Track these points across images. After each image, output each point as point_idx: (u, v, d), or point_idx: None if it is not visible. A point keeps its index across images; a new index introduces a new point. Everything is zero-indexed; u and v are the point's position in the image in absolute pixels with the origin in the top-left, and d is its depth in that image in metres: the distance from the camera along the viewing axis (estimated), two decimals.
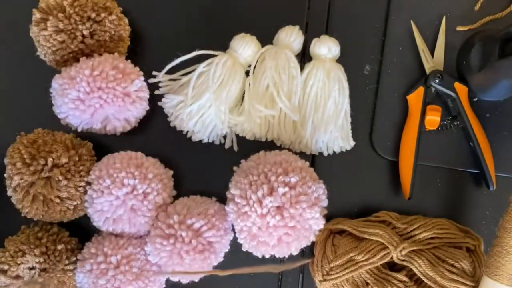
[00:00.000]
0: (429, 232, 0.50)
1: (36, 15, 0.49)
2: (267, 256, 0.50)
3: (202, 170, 0.55)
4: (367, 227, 0.50)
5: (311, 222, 0.48)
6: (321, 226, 0.50)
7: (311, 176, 0.49)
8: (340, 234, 0.52)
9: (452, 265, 0.48)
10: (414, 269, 0.48)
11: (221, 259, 0.51)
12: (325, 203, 0.50)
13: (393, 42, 0.55)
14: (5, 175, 0.49)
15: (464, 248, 0.50)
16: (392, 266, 0.51)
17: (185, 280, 0.50)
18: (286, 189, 0.46)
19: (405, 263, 0.49)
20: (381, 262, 0.49)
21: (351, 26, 0.56)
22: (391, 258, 0.49)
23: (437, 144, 0.54)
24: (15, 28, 0.55)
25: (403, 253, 0.49)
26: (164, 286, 0.52)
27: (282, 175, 0.47)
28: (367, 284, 0.50)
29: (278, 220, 0.46)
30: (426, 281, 0.48)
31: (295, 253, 0.50)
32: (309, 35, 0.55)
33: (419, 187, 0.53)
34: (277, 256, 0.50)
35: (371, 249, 0.49)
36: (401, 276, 0.49)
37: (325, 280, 0.50)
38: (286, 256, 0.51)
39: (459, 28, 0.55)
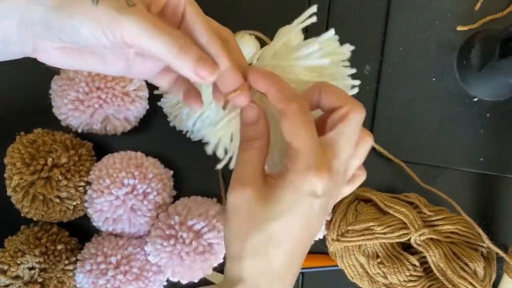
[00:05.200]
0: (452, 226, 0.50)
1: None
2: None
3: (202, 170, 0.55)
4: (394, 203, 0.50)
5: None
6: (320, 237, 0.51)
7: None
8: (365, 203, 0.53)
9: (466, 264, 0.49)
10: (428, 256, 0.48)
11: (221, 261, 0.51)
12: (329, 217, 0.52)
13: (393, 42, 0.55)
14: (5, 175, 0.49)
15: (479, 251, 0.51)
16: (405, 249, 0.52)
17: (184, 280, 0.50)
18: None
19: (420, 248, 0.49)
20: (398, 240, 0.49)
21: (351, 26, 0.56)
22: (409, 239, 0.50)
23: None
24: None
25: (422, 238, 0.49)
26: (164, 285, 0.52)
27: None
28: (378, 256, 0.50)
29: None
30: (435, 271, 0.48)
31: None
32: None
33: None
34: None
35: (392, 225, 0.50)
36: (413, 259, 0.49)
37: (338, 240, 0.50)
38: None
39: (459, 28, 0.55)
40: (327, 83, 0.35)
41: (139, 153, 0.52)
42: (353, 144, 0.33)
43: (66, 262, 0.49)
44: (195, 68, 0.32)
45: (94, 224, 0.51)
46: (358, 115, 0.33)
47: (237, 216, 0.33)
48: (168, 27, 0.32)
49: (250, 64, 0.54)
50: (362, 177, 0.39)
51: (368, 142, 0.36)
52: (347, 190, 0.38)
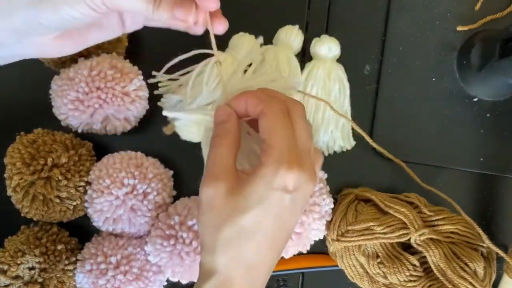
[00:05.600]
0: (452, 226, 0.50)
1: None
2: None
3: (202, 170, 0.54)
4: (394, 203, 0.50)
5: (314, 233, 0.49)
6: (320, 237, 0.51)
7: (326, 189, 0.51)
8: (365, 203, 0.53)
9: (466, 264, 0.49)
10: (428, 257, 0.48)
11: None
12: (329, 218, 0.51)
13: (393, 42, 0.55)
14: (5, 175, 0.49)
15: (479, 251, 0.51)
16: (405, 249, 0.52)
17: (184, 280, 0.50)
18: None
19: (420, 248, 0.49)
20: (398, 240, 0.49)
21: (351, 26, 0.56)
22: (409, 239, 0.50)
23: None
24: None
25: (422, 238, 0.49)
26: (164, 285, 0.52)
27: None
28: (377, 256, 0.50)
29: None
30: (435, 271, 0.48)
31: (286, 257, 0.50)
32: (309, 35, 0.55)
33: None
34: None
35: (392, 225, 0.50)
36: (413, 259, 0.49)
37: (338, 240, 0.50)
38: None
39: (459, 28, 0.55)
40: (250, 91, 0.37)
41: (139, 153, 0.52)
42: (286, 128, 0.34)
43: (66, 262, 0.49)
44: (172, 12, 0.35)
45: (94, 224, 0.51)
46: (271, 106, 0.34)
47: (210, 210, 0.34)
48: None
49: (250, 64, 0.54)
50: (318, 152, 0.39)
51: (297, 106, 0.36)
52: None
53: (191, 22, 0.37)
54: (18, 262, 0.47)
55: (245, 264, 0.34)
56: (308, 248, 0.51)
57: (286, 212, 0.33)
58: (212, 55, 0.42)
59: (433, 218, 0.50)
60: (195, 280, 0.51)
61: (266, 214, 0.33)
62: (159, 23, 0.41)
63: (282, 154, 0.33)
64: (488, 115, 0.55)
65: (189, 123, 0.50)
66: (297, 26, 0.54)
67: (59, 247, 0.49)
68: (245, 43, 0.53)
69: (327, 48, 0.53)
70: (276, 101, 0.35)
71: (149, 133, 0.55)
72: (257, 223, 0.33)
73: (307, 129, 0.35)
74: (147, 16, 0.35)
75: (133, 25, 0.41)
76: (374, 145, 0.52)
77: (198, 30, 0.40)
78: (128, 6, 0.35)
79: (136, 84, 0.50)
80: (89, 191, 0.49)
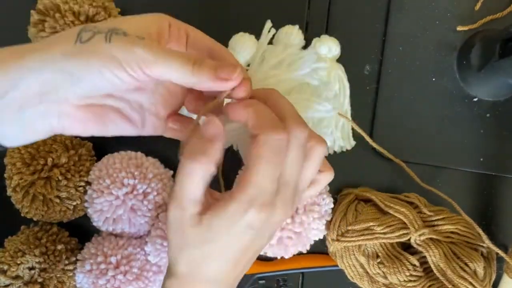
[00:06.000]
0: (452, 226, 0.50)
1: (34, 16, 0.49)
2: (261, 253, 0.50)
3: None
4: (394, 203, 0.50)
5: (314, 233, 0.49)
6: (320, 237, 0.51)
7: (326, 188, 0.51)
8: (365, 203, 0.53)
9: (466, 264, 0.48)
10: (428, 257, 0.48)
11: None
12: (329, 218, 0.51)
13: (393, 42, 0.55)
14: (5, 175, 0.49)
15: (479, 251, 0.51)
16: (405, 249, 0.52)
17: None
18: None
19: (420, 248, 0.49)
20: (398, 240, 0.49)
21: (351, 26, 0.56)
22: (409, 239, 0.50)
23: None
24: (13, 29, 0.55)
25: (422, 238, 0.49)
26: None
27: None
28: (377, 256, 0.50)
29: (288, 222, 0.47)
30: (435, 271, 0.48)
31: (286, 257, 0.50)
32: (309, 35, 0.55)
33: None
34: (269, 255, 0.51)
35: (392, 225, 0.50)
36: (413, 259, 0.49)
37: (338, 240, 0.50)
38: (278, 257, 0.51)
39: (459, 28, 0.55)
40: (257, 104, 0.34)
41: (139, 153, 0.52)
42: (273, 167, 0.32)
43: (66, 262, 0.49)
44: (215, 73, 0.32)
45: (94, 224, 0.50)
46: (269, 137, 0.32)
47: (174, 231, 0.34)
48: (177, 50, 0.34)
49: (249, 64, 0.54)
50: (323, 180, 0.39)
51: (318, 150, 0.35)
52: (308, 194, 0.39)
53: (234, 81, 0.33)
54: (18, 262, 0.47)
55: (205, 279, 0.34)
56: (308, 248, 0.51)
57: (251, 242, 0.34)
58: None
59: (433, 218, 0.50)
60: None
61: (229, 245, 0.33)
62: (191, 105, 0.39)
63: (258, 195, 0.32)
64: (488, 115, 0.55)
65: None
66: (297, 26, 0.54)
67: (59, 247, 0.49)
68: (245, 43, 0.53)
69: (327, 48, 0.53)
70: (278, 131, 0.32)
71: None
72: (219, 251, 0.33)
73: (299, 162, 0.34)
74: (186, 80, 0.32)
75: (153, 125, 0.38)
76: (374, 145, 0.52)
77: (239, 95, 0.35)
78: (165, 70, 0.31)
79: None
80: (89, 191, 0.49)
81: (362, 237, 0.49)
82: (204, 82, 0.33)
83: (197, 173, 0.32)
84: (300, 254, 0.52)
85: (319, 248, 0.54)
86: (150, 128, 0.38)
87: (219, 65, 0.33)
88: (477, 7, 0.55)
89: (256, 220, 0.32)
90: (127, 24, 0.33)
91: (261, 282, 0.54)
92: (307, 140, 0.34)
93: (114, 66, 0.31)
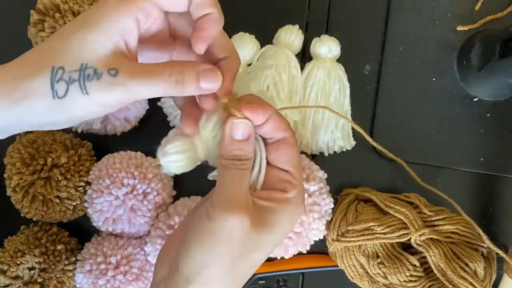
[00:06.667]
0: (453, 226, 0.50)
1: (34, 16, 0.49)
2: None
3: (202, 170, 0.54)
4: (394, 203, 0.50)
5: (314, 233, 0.49)
6: (320, 237, 0.51)
7: (326, 188, 0.51)
8: (365, 203, 0.53)
9: (466, 264, 0.48)
10: (428, 257, 0.48)
11: None
12: (329, 218, 0.51)
13: (393, 42, 0.55)
14: (5, 175, 0.49)
15: (480, 251, 0.50)
16: (405, 249, 0.52)
17: None
18: (305, 195, 0.47)
19: (420, 249, 0.49)
20: (398, 240, 0.49)
21: (351, 26, 0.56)
22: (409, 239, 0.50)
23: None
24: (13, 29, 0.55)
25: (422, 238, 0.49)
26: None
27: (304, 181, 0.48)
28: (378, 256, 0.50)
29: None
30: (436, 271, 0.48)
31: (286, 257, 0.50)
32: (309, 35, 0.55)
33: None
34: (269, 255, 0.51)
35: (392, 225, 0.50)
36: (414, 259, 0.49)
37: (338, 240, 0.50)
38: (278, 257, 0.51)
39: (459, 28, 0.55)
40: (274, 111, 0.34)
41: (139, 153, 0.52)
42: (300, 162, 0.37)
43: (66, 262, 0.49)
44: (198, 84, 0.32)
45: (94, 224, 0.50)
46: (294, 138, 0.36)
47: (228, 243, 0.31)
48: (154, 66, 0.31)
49: (249, 64, 0.54)
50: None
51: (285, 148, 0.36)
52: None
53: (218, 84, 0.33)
54: (18, 262, 0.47)
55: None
56: (308, 248, 0.51)
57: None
58: None
59: (433, 218, 0.50)
60: None
61: (279, 239, 0.34)
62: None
63: (302, 189, 0.34)
64: (488, 115, 0.55)
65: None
66: (297, 26, 0.54)
67: (59, 247, 0.49)
68: (245, 43, 0.53)
69: (327, 48, 0.53)
70: (293, 133, 0.35)
71: (149, 133, 0.55)
72: (265, 256, 0.33)
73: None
74: (171, 96, 0.33)
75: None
76: (375, 144, 0.52)
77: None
78: (149, 95, 0.31)
79: None
80: (89, 191, 0.49)
81: (362, 237, 0.49)
82: (189, 93, 0.32)
83: (242, 174, 0.33)
84: (300, 254, 0.52)
85: (319, 248, 0.54)
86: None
87: (201, 73, 0.32)
88: (477, 7, 0.55)
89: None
90: (94, 42, 0.30)
91: (261, 282, 0.54)
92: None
93: (96, 113, 0.31)
